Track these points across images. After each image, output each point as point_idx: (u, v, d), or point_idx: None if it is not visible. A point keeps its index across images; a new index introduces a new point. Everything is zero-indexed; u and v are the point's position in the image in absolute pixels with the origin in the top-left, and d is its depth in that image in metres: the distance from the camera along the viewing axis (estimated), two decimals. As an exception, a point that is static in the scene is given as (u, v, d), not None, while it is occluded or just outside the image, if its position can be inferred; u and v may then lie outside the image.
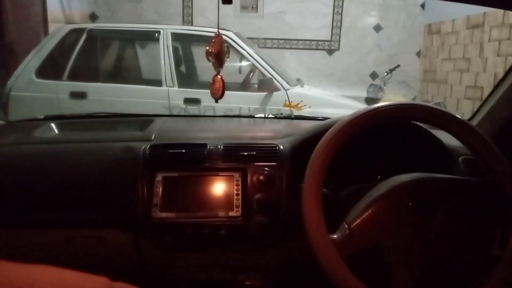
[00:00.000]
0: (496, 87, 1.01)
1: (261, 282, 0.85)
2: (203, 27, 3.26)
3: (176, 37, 3.11)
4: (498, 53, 3.27)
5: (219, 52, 0.69)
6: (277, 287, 0.89)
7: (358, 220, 0.63)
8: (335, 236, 0.63)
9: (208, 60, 0.70)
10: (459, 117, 0.69)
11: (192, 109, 2.86)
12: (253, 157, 0.83)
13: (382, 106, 0.68)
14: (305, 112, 2.88)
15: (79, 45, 2.98)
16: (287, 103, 2.91)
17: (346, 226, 0.63)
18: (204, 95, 2.88)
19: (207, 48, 0.69)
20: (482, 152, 0.68)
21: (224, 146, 0.85)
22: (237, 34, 3.08)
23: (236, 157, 0.84)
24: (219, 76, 0.73)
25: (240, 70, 3.30)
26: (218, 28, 0.70)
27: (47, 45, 2.98)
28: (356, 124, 0.67)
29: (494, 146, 0.68)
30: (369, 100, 4.11)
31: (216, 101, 0.75)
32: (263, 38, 4.66)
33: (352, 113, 0.68)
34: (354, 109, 0.69)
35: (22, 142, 0.97)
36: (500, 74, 3.13)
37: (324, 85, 4.32)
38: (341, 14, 4.68)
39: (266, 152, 0.85)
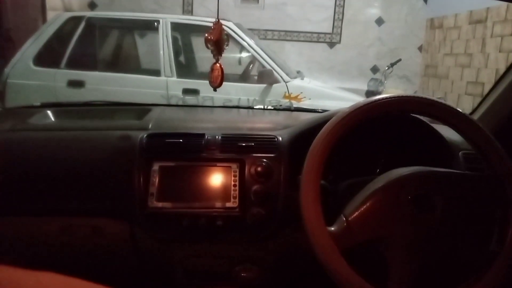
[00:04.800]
0: (497, 83, 1.00)
1: (257, 273, 0.85)
2: (203, 17, 3.23)
3: (175, 27, 3.08)
4: (500, 49, 3.25)
5: (218, 39, 0.68)
6: (273, 279, 0.89)
7: (356, 213, 0.63)
8: (332, 229, 0.62)
9: (207, 47, 0.69)
10: (460, 110, 0.68)
11: (191, 99, 2.85)
12: (252, 148, 0.83)
13: (382, 98, 0.67)
14: (305, 104, 2.87)
15: (78, 34, 2.95)
16: (287, 94, 2.90)
17: (344, 219, 0.63)
18: (203, 85, 2.87)
19: (206, 35, 0.68)
20: (482, 146, 0.67)
21: (222, 137, 0.85)
22: (237, 25, 3.05)
23: (234, 148, 0.83)
24: (218, 64, 0.71)
25: (240, 61, 3.28)
26: (218, 16, 0.69)
27: (45, 33, 2.95)
28: (356, 116, 0.66)
29: (495, 141, 0.67)
30: (369, 94, 4.10)
31: (215, 90, 0.74)
32: (264, 30, 4.62)
33: (351, 105, 0.67)
34: (354, 102, 0.68)
35: (18, 129, 0.96)
36: (502, 70, 3.11)
37: (324, 78, 4.30)
38: (343, 6, 4.64)
39: (264, 143, 0.84)
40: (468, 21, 3.73)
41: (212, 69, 0.72)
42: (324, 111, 1.07)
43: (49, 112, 1.15)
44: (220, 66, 0.72)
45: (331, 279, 0.60)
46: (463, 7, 3.77)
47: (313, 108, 1.29)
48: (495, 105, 0.98)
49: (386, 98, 0.67)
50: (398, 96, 0.68)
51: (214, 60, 0.74)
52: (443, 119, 0.69)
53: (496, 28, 3.30)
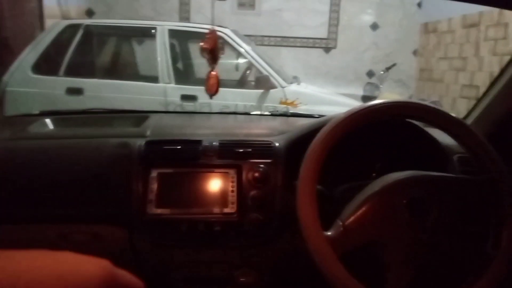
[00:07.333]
0: (491, 86, 1.01)
1: (256, 278, 0.85)
2: (200, 23, 3.25)
3: (173, 33, 3.10)
4: (493, 52, 3.28)
5: (213, 48, 0.69)
6: (271, 283, 0.89)
7: (352, 217, 0.64)
8: (329, 233, 0.63)
9: (203, 56, 0.70)
10: (453, 115, 0.70)
11: (188, 106, 2.86)
12: (249, 154, 0.83)
13: (377, 104, 0.68)
14: (301, 109, 2.88)
15: (76, 41, 2.97)
16: (283, 100, 2.92)
17: (340, 223, 0.63)
18: (201, 92, 2.87)
19: (201, 44, 0.69)
20: (476, 150, 0.68)
21: (219, 143, 0.85)
22: (234, 31, 3.07)
23: (232, 154, 0.83)
24: (213, 73, 0.72)
25: (236, 67, 3.30)
26: (213, 24, 0.70)
27: (43, 41, 2.96)
28: (351, 122, 0.67)
29: (488, 144, 0.68)
30: (365, 98, 4.12)
31: (211, 97, 0.75)
32: (260, 36, 4.64)
33: (347, 111, 0.68)
34: (350, 107, 0.69)
35: (16, 137, 0.96)
36: (496, 73, 3.14)
37: (320, 83, 4.32)
38: (338, 12, 4.67)
39: (261, 149, 0.85)
40: (461, 25, 3.77)
41: (208, 77, 0.73)
42: (320, 116, 1.08)
43: (47, 120, 1.16)
44: (216, 74, 0.73)
45: (328, 283, 0.61)
46: (457, 11, 3.81)
47: (309, 113, 1.30)
48: (490, 108, 0.99)
49: (381, 103, 0.68)
50: (392, 102, 0.69)
51: (209, 66, 0.75)
52: (436, 124, 0.70)
53: (490, 32, 3.34)
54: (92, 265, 0.32)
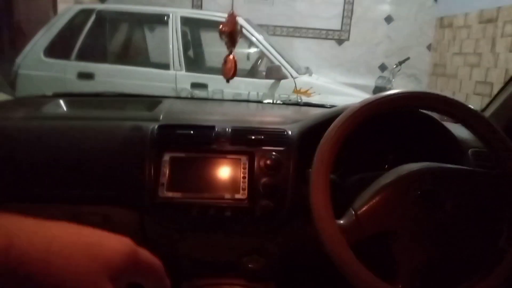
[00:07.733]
0: (507, 83, 0.99)
1: (264, 265, 0.86)
2: (213, 11, 3.24)
3: (185, 21, 3.09)
4: (510, 49, 3.21)
5: (233, 31, 0.68)
6: (279, 271, 0.89)
7: (365, 207, 0.63)
8: (341, 222, 0.63)
9: (221, 39, 0.70)
10: (471, 107, 0.68)
11: (201, 93, 2.86)
12: (261, 141, 0.83)
13: (392, 94, 0.67)
14: (314, 99, 2.87)
15: (88, 26, 2.97)
16: (296, 89, 2.91)
17: (353, 212, 0.63)
18: (211, 80, 2.87)
19: (221, 26, 0.68)
20: (493, 143, 0.67)
21: (232, 129, 0.85)
22: (247, 20, 3.05)
23: (244, 140, 0.83)
24: (231, 56, 0.72)
25: (248, 56, 3.28)
26: (232, 7, 0.69)
27: (56, 25, 2.98)
28: (366, 111, 0.66)
29: (506, 139, 0.67)
30: (377, 91, 4.08)
31: (228, 81, 0.74)
32: (273, 26, 4.61)
33: (362, 100, 0.68)
34: (362, 99, 0.69)
35: (30, 117, 0.97)
36: (512, 71, 3.09)
37: (332, 75, 4.29)
38: (352, 4, 4.61)
39: (274, 136, 0.84)
40: (478, 20, 3.69)
41: (226, 61, 0.72)
42: (332, 106, 1.07)
43: (60, 101, 1.16)
44: (234, 58, 0.72)
45: (338, 272, 0.61)
46: (474, 6, 3.74)
47: (322, 103, 1.29)
48: (505, 105, 0.98)
49: (397, 93, 0.67)
50: (408, 92, 0.68)
51: (223, 55, 0.74)
52: (454, 115, 0.69)
53: (507, 28, 3.27)
54: (116, 241, 0.32)
